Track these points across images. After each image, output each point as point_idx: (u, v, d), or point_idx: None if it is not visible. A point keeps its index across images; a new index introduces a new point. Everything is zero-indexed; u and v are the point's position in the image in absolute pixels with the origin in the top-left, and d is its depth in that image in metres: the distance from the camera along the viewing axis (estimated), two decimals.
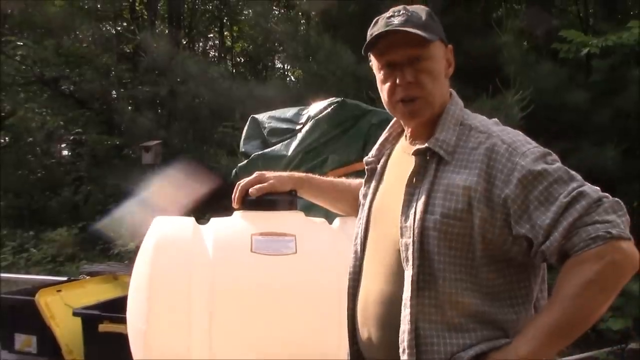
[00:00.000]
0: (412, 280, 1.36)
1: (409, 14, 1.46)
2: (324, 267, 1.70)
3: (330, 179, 2.03)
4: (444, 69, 1.50)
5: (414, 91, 1.45)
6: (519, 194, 1.30)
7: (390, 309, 1.42)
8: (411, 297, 1.36)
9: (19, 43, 13.36)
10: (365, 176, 1.68)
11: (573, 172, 1.33)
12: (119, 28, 15.64)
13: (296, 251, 1.65)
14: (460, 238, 1.35)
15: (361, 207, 1.65)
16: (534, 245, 1.30)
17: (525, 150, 1.34)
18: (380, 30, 1.46)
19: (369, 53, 1.52)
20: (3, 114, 13.54)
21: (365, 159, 1.70)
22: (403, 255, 1.40)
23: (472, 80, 5.17)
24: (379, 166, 1.65)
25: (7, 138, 13.98)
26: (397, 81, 1.46)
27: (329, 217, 1.92)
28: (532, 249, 1.31)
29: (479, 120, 1.47)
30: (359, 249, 1.59)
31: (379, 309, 1.46)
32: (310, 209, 1.97)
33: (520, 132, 1.43)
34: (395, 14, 1.47)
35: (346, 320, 1.58)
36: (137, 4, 16.22)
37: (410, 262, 1.37)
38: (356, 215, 1.88)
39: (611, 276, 1.23)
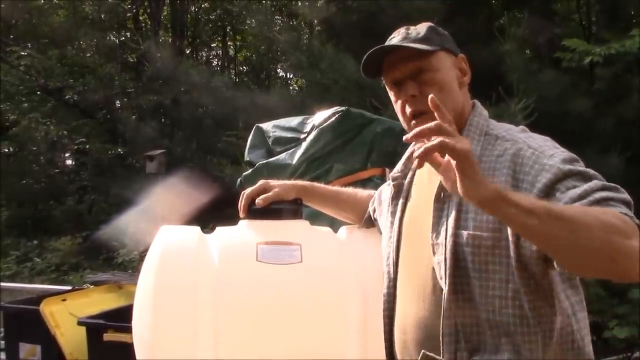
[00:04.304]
0: (448, 300, 1.33)
1: (408, 32, 1.48)
2: (330, 276, 1.69)
3: (335, 187, 2.03)
4: (455, 79, 1.48)
5: (421, 105, 1.42)
6: (546, 190, 1.24)
7: (430, 330, 1.38)
8: (449, 317, 1.33)
9: (22, 53, 13.42)
10: (392, 193, 1.63)
11: (600, 179, 1.25)
12: (123, 38, 15.74)
13: (302, 260, 1.65)
14: (496, 251, 1.30)
15: (389, 225, 1.60)
16: None
17: (553, 153, 1.30)
18: (367, 54, 1.47)
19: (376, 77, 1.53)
20: (7, 124, 13.60)
21: (391, 174, 1.67)
22: (438, 274, 1.36)
23: (475, 88, 5.15)
24: (405, 182, 1.61)
25: (11, 147, 14.02)
26: (403, 98, 1.46)
27: (334, 225, 1.92)
28: None
29: (504, 129, 1.44)
30: (391, 270, 1.55)
31: (419, 331, 1.42)
32: (316, 218, 1.98)
33: (549, 138, 1.39)
34: (395, 35, 1.50)
35: (383, 344, 1.56)
36: (140, 14, 16.32)
37: (444, 280, 1.34)
38: (360, 223, 1.89)
39: (624, 246, 1.08)
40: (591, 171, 1.27)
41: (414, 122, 1.46)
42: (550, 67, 6.35)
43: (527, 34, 6.10)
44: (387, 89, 1.53)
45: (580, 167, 1.28)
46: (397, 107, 1.50)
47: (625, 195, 1.21)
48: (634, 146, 6.02)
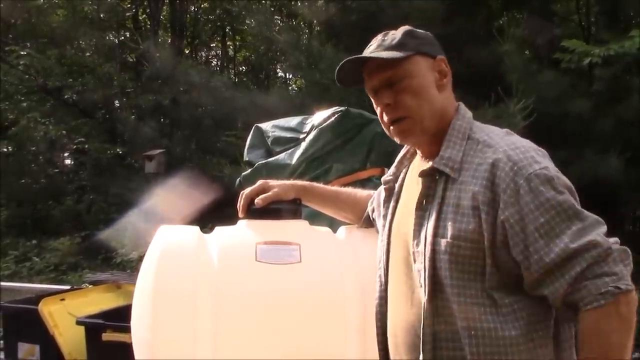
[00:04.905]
0: (425, 308, 1.34)
1: (384, 38, 1.49)
2: (329, 276, 1.69)
3: (334, 187, 2.03)
4: (433, 82, 1.46)
5: (396, 112, 1.45)
6: (519, 220, 1.27)
7: (418, 334, 1.38)
8: (428, 325, 1.33)
9: (22, 52, 13.39)
10: (384, 196, 1.65)
11: (578, 207, 1.28)
12: (122, 37, 15.71)
13: (301, 260, 1.65)
14: (473, 261, 1.31)
15: (382, 229, 1.62)
16: (527, 277, 1.28)
17: (532, 171, 1.29)
18: (340, 64, 1.50)
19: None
20: (6, 124, 13.58)
21: (384, 178, 1.68)
22: (418, 281, 1.38)
23: (474, 88, 5.18)
24: (396, 185, 1.62)
25: (10, 147, 13.99)
26: (380, 106, 1.49)
27: (334, 225, 1.92)
28: (526, 279, 1.28)
29: (487, 132, 1.43)
30: (382, 274, 1.57)
31: (409, 334, 1.42)
32: (315, 218, 1.98)
33: (532, 146, 1.38)
34: (373, 42, 1.51)
35: (376, 347, 1.57)
36: (140, 14, 16.30)
37: (424, 289, 1.34)
38: (359, 223, 1.89)
39: (625, 331, 1.23)
40: (563, 201, 1.28)
41: (392, 127, 1.48)
42: (550, 67, 6.36)
43: (526, 35, 6.11)
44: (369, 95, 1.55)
45: (559, 192, 1.28)
46: (377, 113, 1.53)
47: (592, 237, 1.24)
48: (633, 147, 6.03)
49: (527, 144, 1.38)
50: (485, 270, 1.31)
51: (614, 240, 1.26)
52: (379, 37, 1.51)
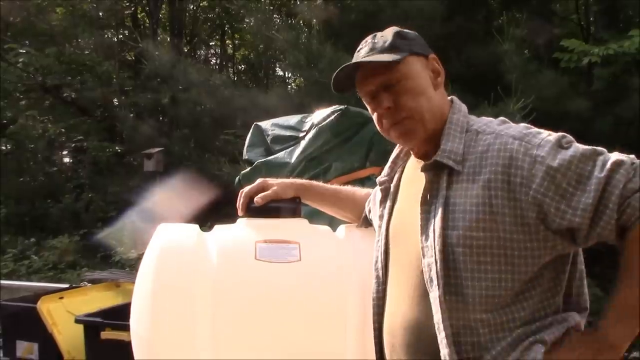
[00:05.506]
0: (440, 301, 1.32)
1: (375, 41, 1.48)
2: (328, 275, 1.69)
3: (333, 186, 2.03)
4: (429, 81, 1.47)
5: (397, 115, 1.45)
6: (548, 186, 1.27)
7: (419, 333, 1.39)
8: (443, 319, 1.32)
9: (21, 50, 13.36)
10: (380, 196, 1.65)
11: (590, 147, 1.31)
12: (121, 36, 15.69)
13: (300, 258, 1.65)
14: (488, 250, 1.31)
15: (378, 229, 1.62)
16: (582, 230, 1.26)
17: (540, 141, 1.32)
18: (337, 71, 1.49)
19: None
20: (4, 122, 13.57)
21: (378, 179, 1.68)
22: (426, 276, 1.36)
23: (474, 88, 5.18)
24: (392, 185, 1.62)
25: (8, 145, 13.99)
26: (379, 111, 1.48)
27: (333, 224, 1.92)
28: (580, 234, 1.27)
29: (484, 123, 1.44)
30: (380, 273, 1.56)
31: (408, 334, 1.42)
32: (314, 216, 1.97)
33: (525, 124, 1.41)
34: (363, 45, 1.50)
35: (373, 347, 1.56)
36: (139, 12, 16.29)
37: (435, 282, 1.33)
38: (358, 222, 1.89)
39: None
40: (576, 149, 1.31)
41: (392, 131, 1.48)
42: (549, 67, 6.36)
43: (525, 34, 6.11)
44: (363, 100, 1.54)
45: (567, 147, 1.31)
46: (374, 117, 1.52)
47: (614, 158, 1.28)
48: (633, 147, 6.02)
49: (522, 124, 1.41)
50: (501, 259, 1.31)
51: (631, 156, 1.30)
52: (368, 40, 1.50)
